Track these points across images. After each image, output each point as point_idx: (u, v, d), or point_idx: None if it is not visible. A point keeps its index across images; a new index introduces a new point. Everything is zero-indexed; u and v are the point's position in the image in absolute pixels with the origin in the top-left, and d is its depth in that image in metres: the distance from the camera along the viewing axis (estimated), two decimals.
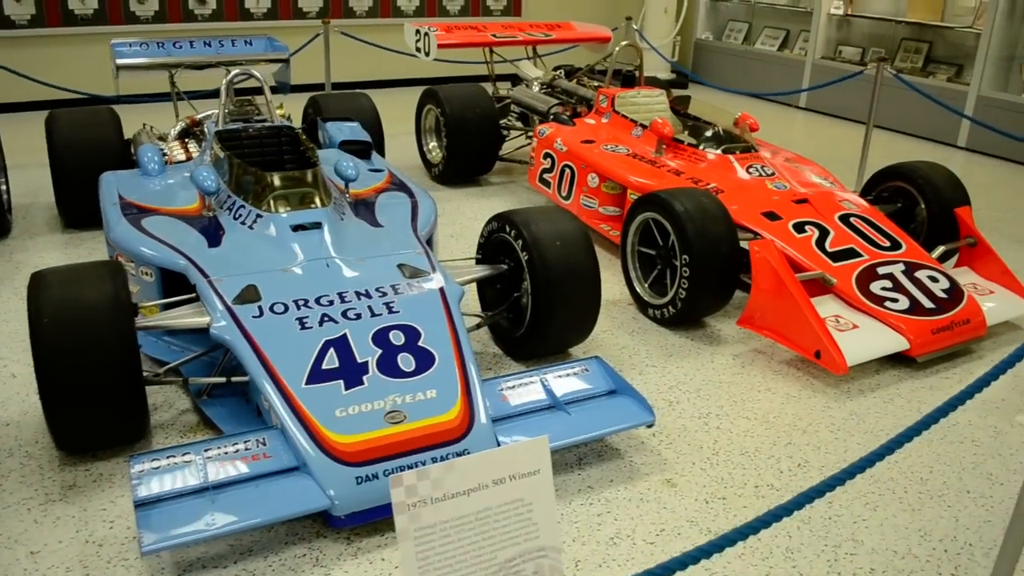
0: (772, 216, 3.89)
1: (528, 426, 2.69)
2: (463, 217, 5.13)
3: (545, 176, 4.97)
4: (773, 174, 4.23)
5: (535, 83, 5.83)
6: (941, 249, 3.99)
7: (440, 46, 5.81)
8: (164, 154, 4.26)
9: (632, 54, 5.20)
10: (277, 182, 3.41)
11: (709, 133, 4.47)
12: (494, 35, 6.06)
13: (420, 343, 2.85)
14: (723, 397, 3.20)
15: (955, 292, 3.63)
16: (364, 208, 3.67)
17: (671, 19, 9.58)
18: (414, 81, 8.36)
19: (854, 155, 6.23)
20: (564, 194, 4.79)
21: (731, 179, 4.18)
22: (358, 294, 3.00)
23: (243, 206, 3.36)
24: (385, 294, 3.01)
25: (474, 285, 3.63)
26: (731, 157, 4.30)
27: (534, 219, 3.29)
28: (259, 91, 5.52)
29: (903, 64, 7.88)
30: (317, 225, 3.23)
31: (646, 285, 3.86)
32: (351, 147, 4.56)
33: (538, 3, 9.62)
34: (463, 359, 2.78)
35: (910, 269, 3.70)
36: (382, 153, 5.36)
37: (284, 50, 5.48)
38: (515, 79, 6.27)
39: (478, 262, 3.52)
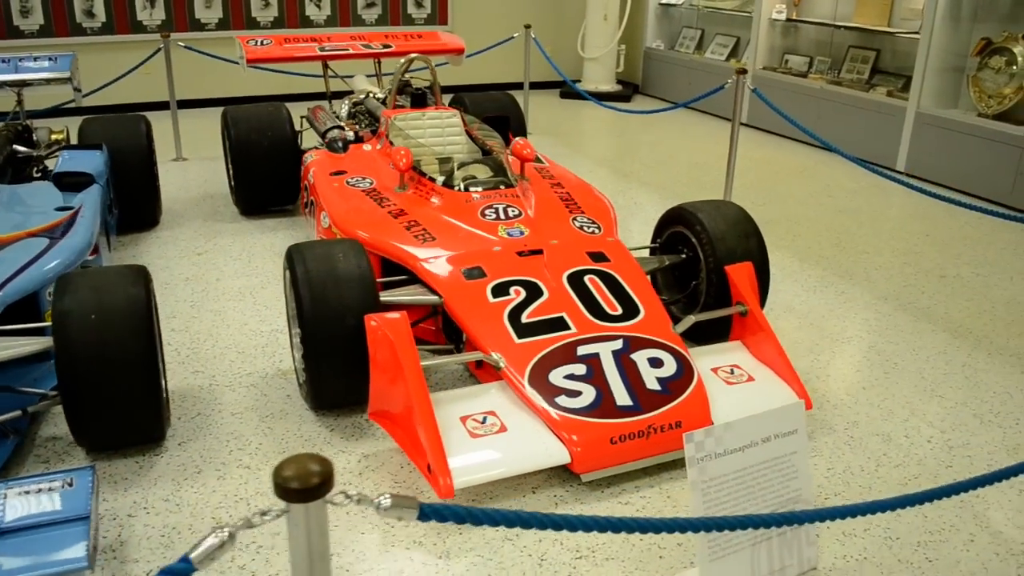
0: (474, 273, 3.07)
1: None
2: (224, 257, 4.45)
3: (306, 211, 4.26)
4: (518, 216, 3.40)
5: (345, 102, 5.11)
6: (691, 320, 3.08)
7: (249, 61, 5.17)
8: None
9: (427, 70, 4.43)
10: None
11: (458, 165, 3.66)
12: (321, 48, 5.38)
13: None
14: None
15: (679, 382, 2.74)
16: None
17: (612, 27, 8.70)
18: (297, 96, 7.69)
19: (760, 181, 5.21)
20: (314, 233, 4.06)
21: (452, 223, 3.36)
22: None
23: None
24: None
25: None
26: (474, 194, 3.49)
27: (81, 284, 2.58)
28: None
29: (848, 75, 6.81)
30: None
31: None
32: (70, 179, 3.98)
33: (468, 12, 8.89)
34: None
35: (628, 348, 2.82)
36: (154, 182, 4.78)
37: (66, 70, 4.99)
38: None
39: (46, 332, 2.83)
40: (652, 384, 2.71)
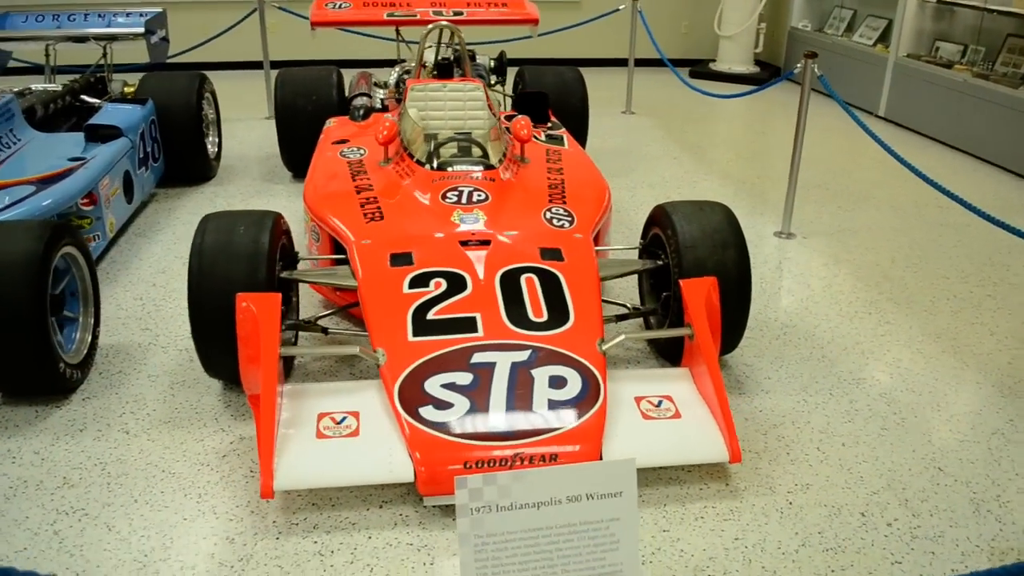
0: (401, 259, 2.84)
1: None
2: None
3: None
4: (482, 200, 3.12)
5: (395, 70, 4.96)
6: (621, 338, 2.67)
7: (313, 23, 5.15)
8: None
9: (455, 39, 4.18)
10: None
11: (443, 141, 3.40)
12: (389, 14, 5.26)
13: None
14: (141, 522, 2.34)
15: (575, 408, 2.38)
16: None
17: (752, 2, 7.95)
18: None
19: (861, 184, 4.46)
20: None
21: (411, 204, 3.14)
22: None
23: None
24: None
25: None
26: (446, 174, 3.24)
27: None
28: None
29: (1003, 68, 5.77)
30: None
31: None
32: (101, 131, 4.15)
33: None
34: None
35: (533, 361, 2.49)
36: (201, 138, 4.89)
37: (140, 26, 5.19)
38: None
39: None
40: (540, 406, 2.37)
